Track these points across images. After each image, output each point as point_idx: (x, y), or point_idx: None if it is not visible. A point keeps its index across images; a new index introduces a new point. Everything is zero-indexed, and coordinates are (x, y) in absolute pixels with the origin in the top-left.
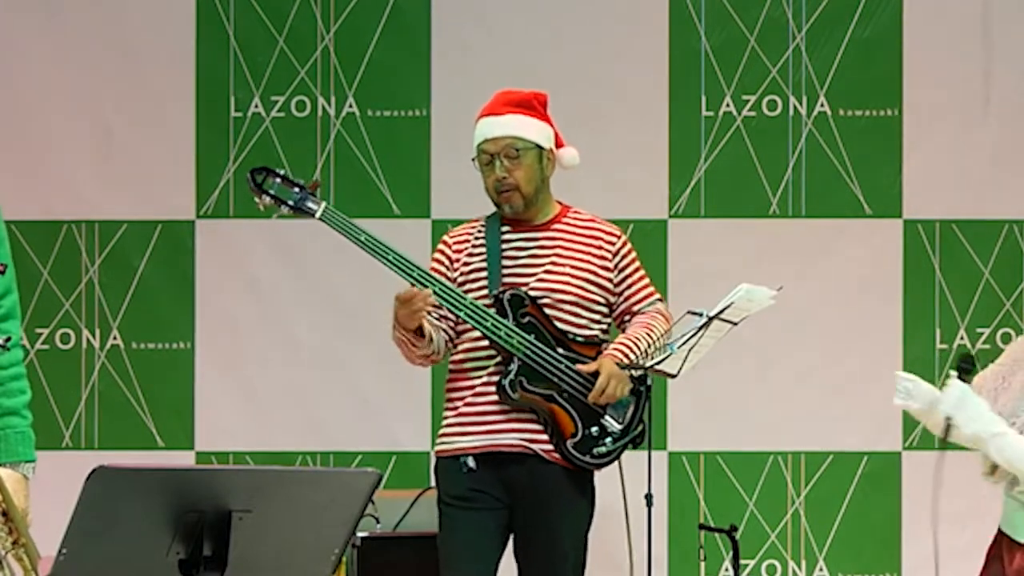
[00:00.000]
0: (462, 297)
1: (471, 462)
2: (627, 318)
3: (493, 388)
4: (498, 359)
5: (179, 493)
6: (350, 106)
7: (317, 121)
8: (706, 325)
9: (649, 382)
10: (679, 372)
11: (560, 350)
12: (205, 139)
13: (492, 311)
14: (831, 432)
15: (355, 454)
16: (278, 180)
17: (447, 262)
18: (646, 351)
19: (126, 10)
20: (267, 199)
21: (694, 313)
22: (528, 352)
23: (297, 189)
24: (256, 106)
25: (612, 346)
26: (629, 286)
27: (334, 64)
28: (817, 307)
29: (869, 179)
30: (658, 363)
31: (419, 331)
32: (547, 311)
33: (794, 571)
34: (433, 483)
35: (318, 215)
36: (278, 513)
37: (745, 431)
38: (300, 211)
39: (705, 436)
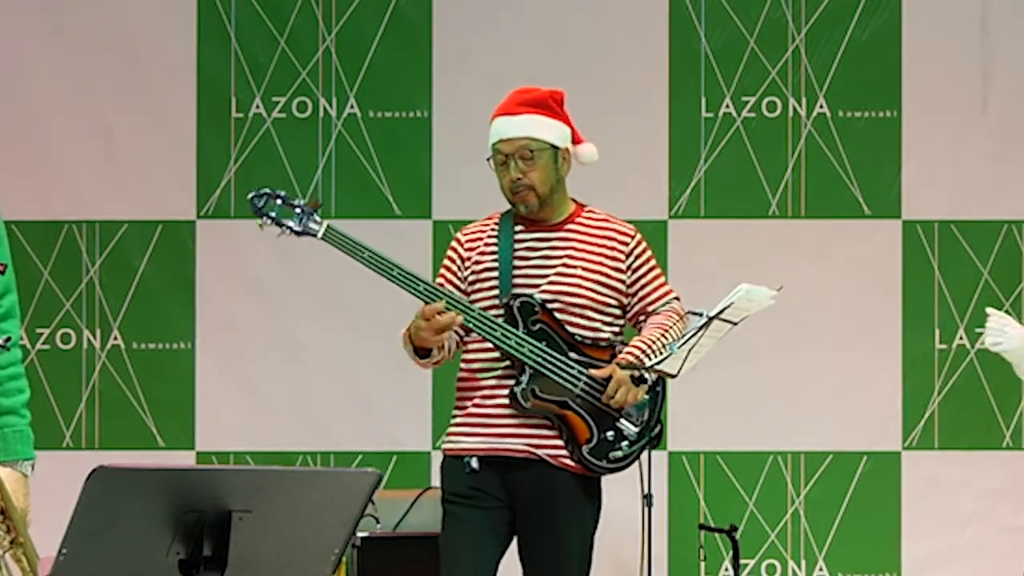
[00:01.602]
0: (470, 308)
1: (474, 463)
2: (642, 319)
3: (502, 391)
4: (508, 362)
5: (179, 493)
6: (351, 107)
7: (318, 122)
8: (706, 325)
9: (657, 381)
10: (679, 372)
11: (572, 355)
12: (206, 139)
13: (501, 319)
14: (831, 432)
15: (355, 454)
16: (279, 202)
17: (459, 261)
18: (661, 353)
19: (127, 11)
20: (268, 222)
21: (694, 313)
22: (539, 360)
23: (298, 210)
24: (257, 107)
25: (626, 350)
26: (643, 287)
27: (335, 65)
28: (817, 307)
29: (868, 180)
30: (658, 363)
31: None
32: (558, 315)
33: (794, 571)
34: (436, 482)
35: (320, 235)
36: (278, 513)
37: (745, 431)
38: (303, 233)
39: (705, 436)
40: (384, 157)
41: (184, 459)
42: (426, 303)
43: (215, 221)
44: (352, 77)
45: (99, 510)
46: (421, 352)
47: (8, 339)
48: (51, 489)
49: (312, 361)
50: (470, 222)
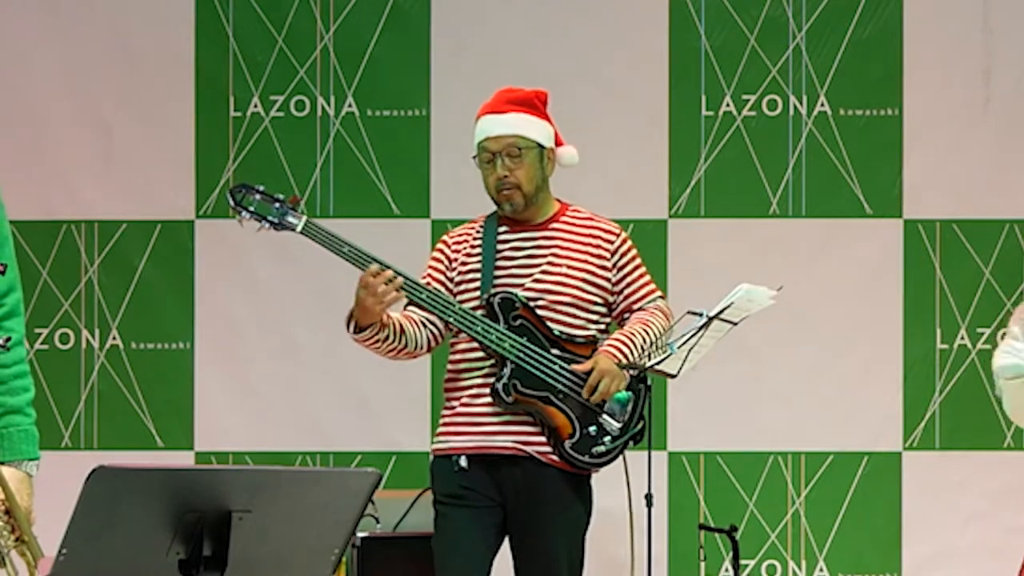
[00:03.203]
0: (451, 303)
1: (463, 461)
2: (627, 316)
3: (487, 390)
4: (492, 361)
5: (179, 493)
6: (349, 106)
7: (316, 121)
8: (706, 325)
9: (649, 381)
10: (679, 372)
11: (554, 351)
12: (204, 139)
13: (482, 315)
14: (831, 432)
15: (355, 454)
16: (257, 196)
17: (445, 261)
18: (642, 347)
19: (126, 10)
20: (247, 216)
21: (694, 313)
22: (520, 355)
23: (277, 204)
24: (255, 106)
25: (607, 343)
26: (628, 284)
27: (333, 63)
28: (817, 307)
29: (869, 179)
30: (658, 363)
31: (371, 325)
32: (544, 312)
33: (794, 571)
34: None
35: (299, 229)
36: (278, 513)
37: (745, 431)
38: (281, 227)
39: (705, 436)
40: (382, 156)
41: (183, 459)
42: (408, 297)
43: (214, 221)
44: (350, 76)
45: (99, 510)
46: (360, 327)
47: (8, 339)
48: (50, 489)
49: (311, 361)
50: (468, 221)
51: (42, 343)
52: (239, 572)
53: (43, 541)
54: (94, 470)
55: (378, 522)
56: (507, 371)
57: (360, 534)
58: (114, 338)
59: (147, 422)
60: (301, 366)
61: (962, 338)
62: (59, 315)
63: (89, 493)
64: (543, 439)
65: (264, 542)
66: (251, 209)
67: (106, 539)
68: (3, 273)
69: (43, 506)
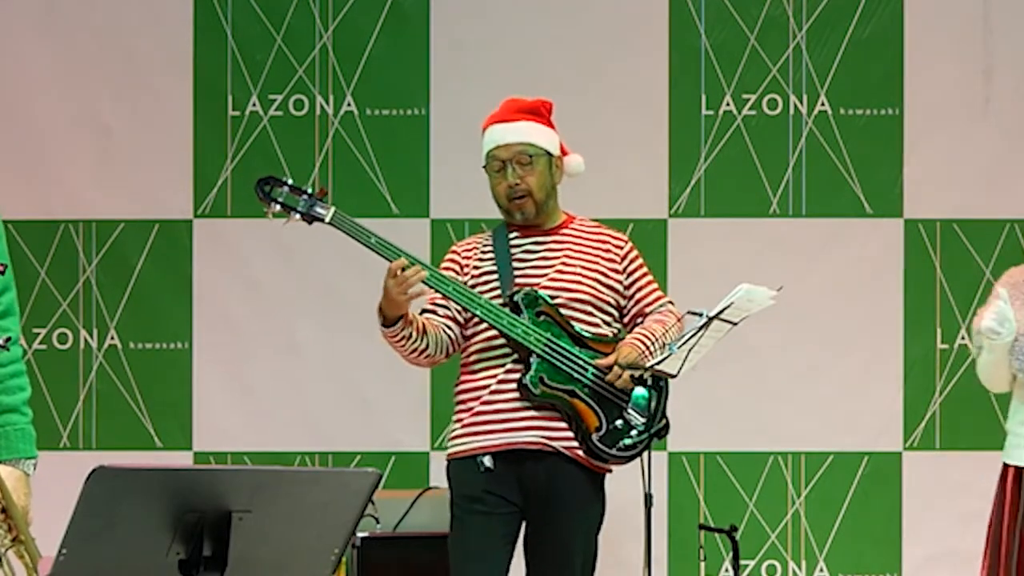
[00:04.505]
0: (476, 296)
1: (488, 461)
2: (639, 320)
3: (509, 386)
4: (513, 356)
5: (179, 493)
6: (348, 105)
7: (315, 120)
8: (706, 325)
9: (661, 380)
10: (679, 372)
11: (577, 347)
12: (203, 138)
13: (507, 310)
14: (831, 432)
15: (355, 454)
16: (285, 189)
17: (457, 267)
18: (662, 343)
19: (124, 9)
20: (276, 207)
21: (694, 313)
22: (547, 348)
23: (305, 196)
24: (254, 105)
25: (629, 338)
26: (639, 289)
27: (332, 63)
28: (817, 307)
29: (870, 178)
30: (658, 363)
31: (401, 319)
32: (561, 311)
33: (794, 571)
34: (435, 482)
35: (328, 220)
36: (278, 513)
37: (745, 431)
38: (310, 217)
39: (705, 436)
40: (382, 155)
41: (181, 460)
42: (435, 288)
43: (212, 220)
44: (349, 75)
45: (99, 510)
46: (389, 320)
47: (8, 339)
48: (48, 489)
49: (310, 361)
50: (468, 220)
51: (40, 343)
52: (239, 572)
53: (43, 541)
54: (94, 470)
55: (378, 522)
56: (533, 364)
57: (360, 534)
58: (112, 338)
59: (145, 422)
60: (300, 366)
61: (962, 338)
62: (57, 315)
63: (89, 493)
64: (569, 434)
65: (264, 542)
66: (280, 200)
67: (106, 539)
68: (2, 273)
69: (42, 506)
